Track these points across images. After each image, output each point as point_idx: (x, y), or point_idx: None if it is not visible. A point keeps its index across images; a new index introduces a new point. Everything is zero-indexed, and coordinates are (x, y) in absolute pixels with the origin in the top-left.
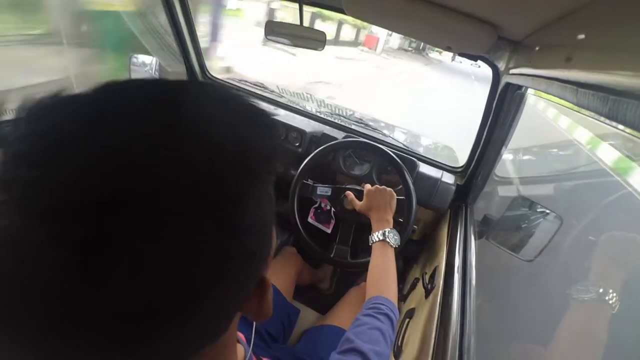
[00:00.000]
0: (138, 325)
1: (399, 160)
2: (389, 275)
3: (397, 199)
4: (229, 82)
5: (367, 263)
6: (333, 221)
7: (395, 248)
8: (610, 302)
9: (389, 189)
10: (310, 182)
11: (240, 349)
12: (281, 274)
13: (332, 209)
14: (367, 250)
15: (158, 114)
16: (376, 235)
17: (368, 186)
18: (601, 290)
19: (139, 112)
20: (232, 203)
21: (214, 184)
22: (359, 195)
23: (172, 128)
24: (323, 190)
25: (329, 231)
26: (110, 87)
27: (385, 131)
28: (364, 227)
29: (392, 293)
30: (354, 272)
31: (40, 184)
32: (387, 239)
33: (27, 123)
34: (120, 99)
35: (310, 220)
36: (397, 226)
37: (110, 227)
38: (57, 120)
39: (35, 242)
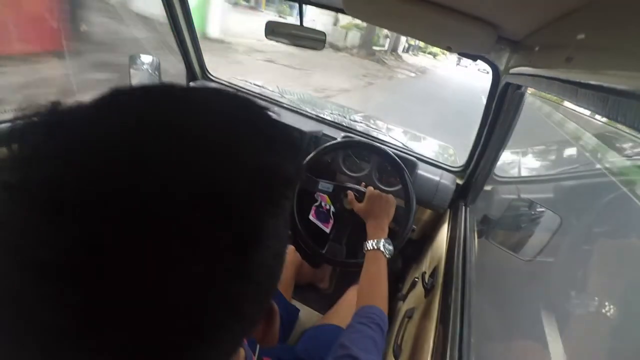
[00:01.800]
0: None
1: (398, 160)
2: (381, 285)
3: (397, 206)
4: (229, 83)
5: (359, 264)
6: (332, 221)
7: (388, 258)
8: (608, 314)
9: (391, 196)
10: (312, 177)
11: (240, 350)
12: (284, 276)
13: (331, 209)
14: (357, 253)
15: (170, 131)
16: (370, 244)
17: (371, 189)
18: (598, 303)
19: (150, 126)
20: (249, 236)
21: (229, 215)
22: (360, 196)
23: (183, 150)
24: (325, 185)
25: (327, 230)
26: (121, 99)
27: (384, 131)
28: (361, 228)
29: (383, 303)
30: (353, 272)
31: (51, 183)
32: (381, 249)
33: (35, 126)
34: (129, 113)
35: (311, 217)
36: (397, 226)
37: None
38: (68, 126)
39: (40, 238)
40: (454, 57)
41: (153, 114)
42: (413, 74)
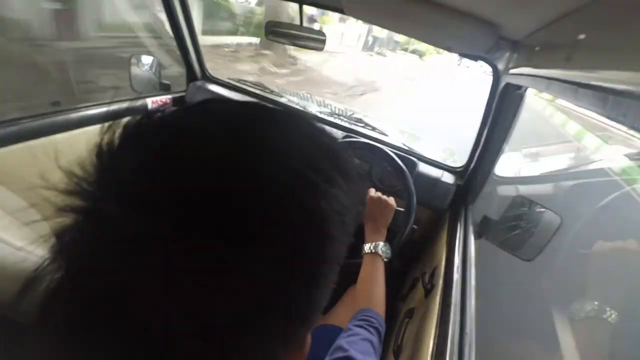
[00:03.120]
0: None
1: (398, 160)
2: (379, 288)
3: (396, 209)
4: (229, 83)
5: (355, 265)
6: None
7: (385, 261)
8: (609, 319)
9: (391, 200)
10: None
11: None
12: None
13: None
14: (358, 251)
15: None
16: (368, 247)
17: (372, 191)
18: (598, 308)
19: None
20: (304, 275)
21: (289, 255)
22: None
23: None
24: None
25: None
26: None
27: (384, 131)
28: (358, 229)
29: (381, 307)
30: (353, 272)
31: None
32: (379, 252)
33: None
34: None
35: None
36: (397, 227)
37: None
38: (167, 134)
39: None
40: (450, 57)
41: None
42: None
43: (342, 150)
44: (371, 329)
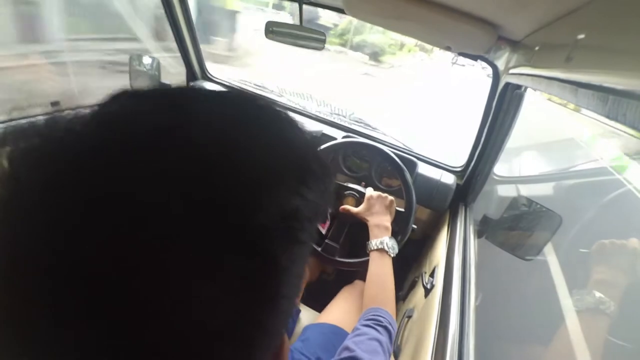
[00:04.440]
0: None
1: (398, 160)
2: (387, 286)
3: (397, 209)
4: (229, 82)
5: (354, 264)
6: (327, 222)
7: (392, 257)
8: (607, 311)
9: (390, 196)
10: None
11: None
12: None
13: (329, 210)
14: (358, 251)
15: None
16: (374, 244)
17: (370, 190)
18: (598, 299)
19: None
20: (267, 276)
21: (246, 254)
22: (360, 196)
23: (203, 174)
24: None
25: (323, 231)
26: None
27: (384, 131)
28: (359, 228)
29: (390, 305)
30: (350, 272)
31: (46, 195)
32: (386, 248)
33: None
34: (143, 118)
35: None
36: (397, 227)
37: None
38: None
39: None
40: (440, 56)
41: (171, 129)
42: None
43: (310, 148)
44: (380, 328)
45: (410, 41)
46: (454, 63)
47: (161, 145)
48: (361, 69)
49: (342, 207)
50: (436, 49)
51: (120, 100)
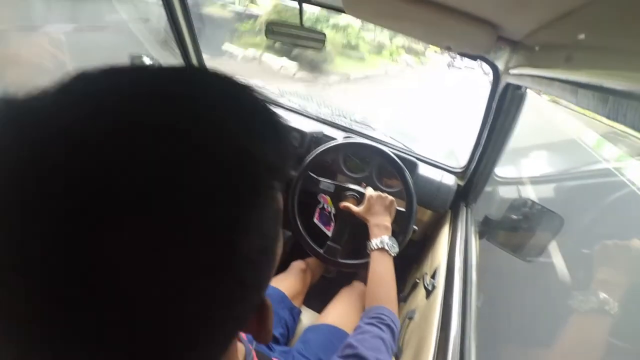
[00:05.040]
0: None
1: (399, 161)
2: (389, 284)
3: (397, 209)
4: None
5: (356, 265)
6: (333, 224)
7: (393, 256)
8: (612, 312)
9: (390, 197)
10: (314, 175)
11: (240, 347)
12: (290, 284)
13: (332, 212)
14: (359, 252)
15: (142, 113)
16: (375, 243)
17: (370, 190)
18: (601, 299)
19: (120, 108)
20: (229, 230)
21: (206, 208)
22: (360, 197)
23: (157, 135)
24: (326, 185)
25: (329, 233)
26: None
27: (385, 131)
28: (360, 229)
29: (392, 303)
30: (348, 273)
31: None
32: (386, 247)
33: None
34: (105, 92)
35: (315, 220)
36: (397, 228)
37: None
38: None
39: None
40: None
41: (114, 102)
42: None
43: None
44: (383, 327)
45: (394, 41)
46: (450, 66)
47: (126, 131)
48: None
49: (343, 204)
50: (427, 52)
51: (80, 83)
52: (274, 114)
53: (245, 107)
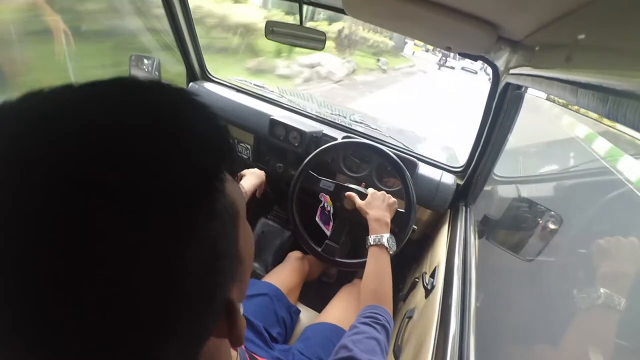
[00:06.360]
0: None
1: (398, 161)
2: (385, 282)
3: (397, 210)
4: (229, 82)
5: (354, 264)
6: (332, 223)
7: (390, 254)
8: (618, 308)
9: (393, 198)
10: (314, 174)
11: (233, 353)
12: (287, 277)
13: (331, 211)
14: (358, 251)
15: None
16: (373, 239)
17: (371, 190)
18: (605, 295)
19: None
20: (168, 245)
21: (141, 222)
22: (361, 197)
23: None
24: (326, 184)
25: (328, 233)
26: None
27: (385, 131)
28: (359, 228)
29: (388, 302)
30: (347, 271)
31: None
32: (385, 244)
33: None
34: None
35: (317, 219)
36: (397, 227)
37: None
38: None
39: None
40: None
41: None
42: None
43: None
44: (378, 327)
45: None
46: (441, 66)
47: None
48: None
49: (348, 193)
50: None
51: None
52: (209, 115)
53: (183, 113)
